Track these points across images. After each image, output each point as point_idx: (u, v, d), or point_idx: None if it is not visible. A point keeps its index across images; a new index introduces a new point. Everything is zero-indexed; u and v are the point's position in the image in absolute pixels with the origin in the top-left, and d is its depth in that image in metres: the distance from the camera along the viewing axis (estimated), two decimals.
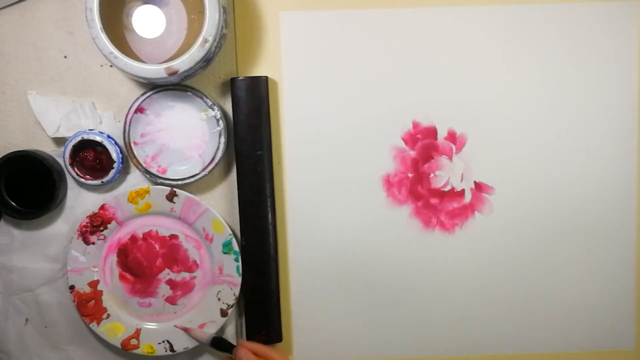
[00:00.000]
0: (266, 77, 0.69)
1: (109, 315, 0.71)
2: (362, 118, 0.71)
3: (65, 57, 0.71)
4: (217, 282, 0.71)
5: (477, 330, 0.74)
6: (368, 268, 0.73)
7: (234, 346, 0.70)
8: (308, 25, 0.70)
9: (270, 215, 0.70)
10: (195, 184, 0.71)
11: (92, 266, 0.71)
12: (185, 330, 0.71)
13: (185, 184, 0.70)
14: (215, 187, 0.72)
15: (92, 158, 0.69)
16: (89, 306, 0.71)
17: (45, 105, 0.70)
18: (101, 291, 0.71)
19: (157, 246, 0.71)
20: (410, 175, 0.72)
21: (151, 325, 0.72)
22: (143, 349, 0.71)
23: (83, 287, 0.71)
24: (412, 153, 0.72)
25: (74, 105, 0.70)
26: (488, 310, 0.74)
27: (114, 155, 0.68)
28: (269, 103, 0.70)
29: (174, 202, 0.70)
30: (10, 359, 0.73)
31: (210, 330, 0.71)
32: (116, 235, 0.71)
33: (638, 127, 0.72)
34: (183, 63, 0.61)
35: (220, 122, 0.68)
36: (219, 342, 0.70)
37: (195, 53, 0.61)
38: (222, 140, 0.69)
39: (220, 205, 0.72)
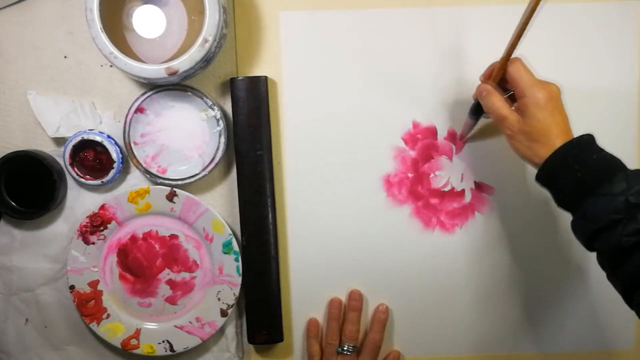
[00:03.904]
0: (266, 77, 0.69)
1: (109, 315, 0.71)
2: (362, 118, 0.71)
3: (65, 57, 0.71)
4: (217, 282, 0.71)
5: (477, 330, 0.74)
6: (368, 268, 0.73)
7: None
8: (308, 25, 0.71)
9: (270, 215, 0.70)
10: (195, 184, 0.71)
11: (92, 266, 0.71)
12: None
13: (185, 184, 0.70)
14: (215, 187, 0.72)
15: (92, 158, 0.69)
16: (89, 306, 0.71)
17: (45, 105, 0.70)
18: (101, 291, 0.71)
19: (157, 246, 0.71)
20: (410, 175, 0.72)
21: (151, 325, 0.72)
22: (143, 349, 0.71)
23: (83, 287, 0.71)
24: (412, 153, 0.72)
25: (74, 105, 0.70)
26: (488, 310, 0.74)
27: (114, 155, 0.68)
28: (269, 103, 0.70)
29: (174, 202, 0.70)
30: (10, 359, 0.74)
31: (211, 330, 0.71)
32: (116, 235, 0.71)
33: (638, 127, 0.72)
34: (183, 63, 0.61)
35: (220, 122, 0.68)
36: (473, 109, 0.66)
37: (195, 53, 0.61)
38: (222, 140, 0.69)
39: (220, 205, 0.72)
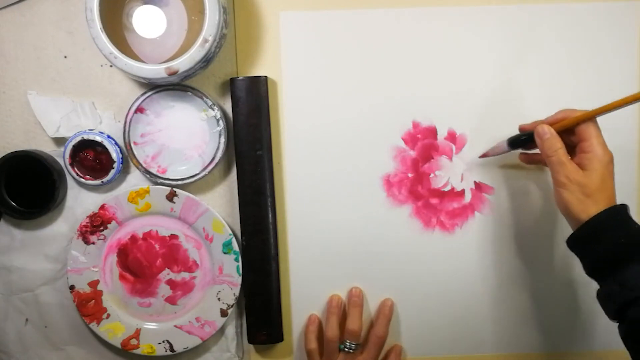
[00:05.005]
0: (266, 77, 0.69)
1: (109, 315, 0.71)
2: (362, 118, 0.71)
3: (65, 57, 0.71)
4: (217, 282, 0.71)
5: (477, 330, 0.74)
6: (368, 268, 0.73)
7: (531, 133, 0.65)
8: (308, 25, 0.70)
9: (270, 215, 0.70)
10: (195, 184, 0.71)
11: (92, 266, 0.71)
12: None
13: (185, 184, 0.70)
14: (215, 187, 0.72)
15: (92, 158, 0.69)
16: (89, 306, 0.71)
17: (45, 105, 0.70)
18: (101, 291, 0.71)
19: (157, 246, 0.71)
20: (410, 175, 0.72)
21: (151, 325, 0.72)
22: (143, 349, 0.71)
23: (83, 287, 0.71)
24: (412, 153, 0.72)
25: (74, 105, 0.70)
26: (488, 310, 0.74)
27: (114, 155, 0.68)
28: (269, 103, 0.70)
29: (174, 202, 0.70)
30: (10, 359, 0.74)
31: (213, 329, 0.71)
32: (116, 235, 0.71)
33: (638, 127, 0.72)
34: (183, 63, 0.61)
35: (220, 122, 0.68)
36: (514, 140, 0.67)
37: (195, 53, 0.61)
38: (222, 140, 0.69)
39: (220, 205, 0.72)
